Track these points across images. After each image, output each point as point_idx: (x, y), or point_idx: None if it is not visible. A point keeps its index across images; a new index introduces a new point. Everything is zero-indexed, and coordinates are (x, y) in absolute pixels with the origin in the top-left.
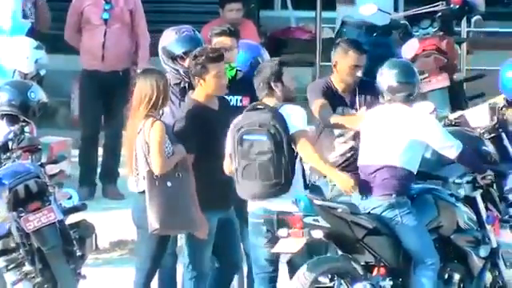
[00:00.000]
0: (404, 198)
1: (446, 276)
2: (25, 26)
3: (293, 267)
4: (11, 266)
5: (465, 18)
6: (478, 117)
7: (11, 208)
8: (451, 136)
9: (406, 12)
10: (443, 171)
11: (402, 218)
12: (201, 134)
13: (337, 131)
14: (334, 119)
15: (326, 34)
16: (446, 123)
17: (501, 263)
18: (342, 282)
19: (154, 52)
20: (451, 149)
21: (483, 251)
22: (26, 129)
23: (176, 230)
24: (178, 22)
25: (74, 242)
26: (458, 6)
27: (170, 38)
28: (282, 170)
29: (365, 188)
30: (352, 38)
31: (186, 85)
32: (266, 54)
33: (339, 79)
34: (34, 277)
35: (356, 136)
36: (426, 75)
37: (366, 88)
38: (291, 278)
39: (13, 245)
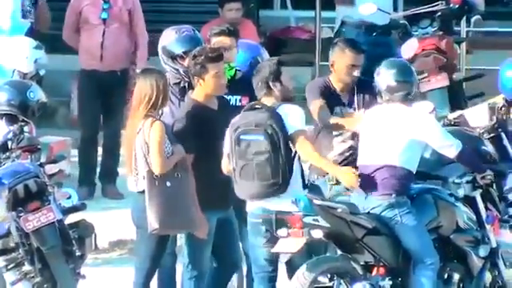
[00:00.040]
0: (403, 197)
1: (446, 276)
2: (24, 26)
3: (292, 267)
4: (11, 265)
5: (464, 18)
6: (478, 116)
7: (10, 208)
8: (450, 135)
9: (405, 12)
10: (443, 171)
11: (401, 218)
12: (200, 133)
13: None
14: (333, 120)
15: (325, 34)
16: (445, 123)
17: (500, 263)
18: (342, 281)
19: (153, 52)
20: (450, 148)
21: (483, 251)
22: (26, 128)
23: (175, 230)
24: (178, 21)
25: (74, 242)
26: (457, 6)
27: (170, 38)
28: (279, 169)
29: (365, 188)
30: (349, 38)
31: (186, 84)
32: (265, 54)
33: (337, 79)
34: (33, 276)
35: (354, 135)
36: (426, 75)
37: (365, 87)
38: (290, 278)
39: (12, 244)
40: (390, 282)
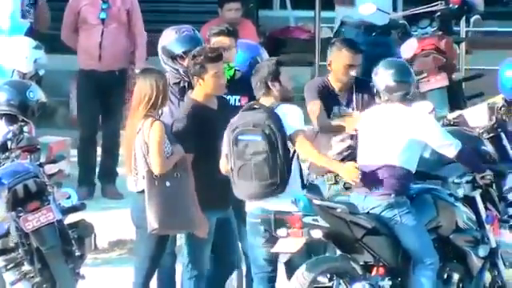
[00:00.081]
0: (403, 197)
1: (445, 276)
2: (24, 26)
3: (290, 267)
4: (10, 265)
5: (464, 18)
6: (477, 116)
7: (10, 208)
8: (450, 135)
9: (404, 12)
10: (442, 171)
11: (401, 218)
12: (200, 133)
13: None
14: (330, 123)
15: (324, 34)
16: (444, 123)
17: (500, 263)
18: (341, 281)
19: (153, 51)
20: (450, 147)
21: (482, 251)
22: (25, 128)
23: (175, 230)
24: (178, 21)
25: (73, 242)
26: (456, 6)
27: (170, 38)
28: (277, 169)
29: (365, 184)
30: (347, 38)
31: (186, 84)
32: (264, 54)
33: (335, 78)
34: (32, 276)
35: (353, 135)
36: (425, 75)
37: (363, 87)
38: (289, 278)
39: (12, 244)
40: (390, 282)
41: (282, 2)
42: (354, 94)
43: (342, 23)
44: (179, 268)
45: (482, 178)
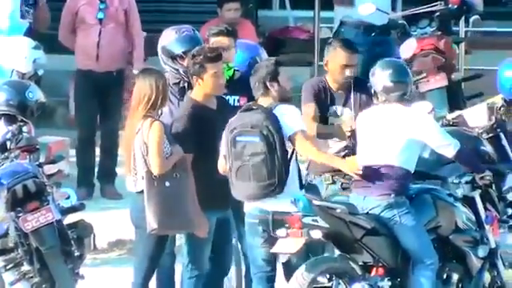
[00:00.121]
0: (402, 197)
1: (445, 276)
2: (23, 26)
3: (289, 268)
4: (9, 265)
5: (463, 18)
6: (476, 116)
7: (9, 208)
8: (449, 135)
9: (404, 12)
10: (442, 171)
11: (400, 218)
12: (199, 133)
13: None
14: (319, 130)
15: (324, 34)
16: (444, 123)
17: (499, 263)
18: (341, 282)
19: (153, 52)
20: (449, 147)
21: (482, 251)
22: (24, 129)
23: (174, 230)
24: (178, 21)
25: (72, 242)
26: (456, 6)
27: (170, 38)
28: (275, 170)
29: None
30: (344, 38)
31: (186, 84)
32: (264, 54)
33: (332, 78)
34: (32, 277)
35: (350, 134)
36: (424, 75)
37: (362, 87)
38: (287, 278)
39: (11, 245)
40: (389, 283)
41: (281, 2)
42: (352, 94)
43: (342, 23)
44: (178, 268)
45: (482, 178)
